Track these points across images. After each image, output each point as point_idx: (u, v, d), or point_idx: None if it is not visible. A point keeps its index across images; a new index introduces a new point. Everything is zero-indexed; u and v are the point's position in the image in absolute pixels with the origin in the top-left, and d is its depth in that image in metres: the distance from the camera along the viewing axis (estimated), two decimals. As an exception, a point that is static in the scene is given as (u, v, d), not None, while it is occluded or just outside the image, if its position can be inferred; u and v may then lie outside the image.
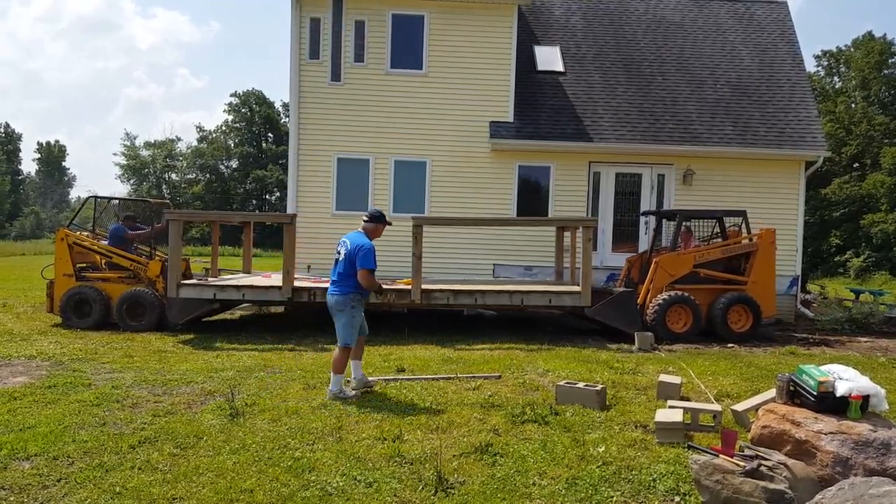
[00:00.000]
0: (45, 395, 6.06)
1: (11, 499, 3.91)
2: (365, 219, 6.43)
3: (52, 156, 76.07)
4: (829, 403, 4.27)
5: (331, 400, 5.97)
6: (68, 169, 79.33)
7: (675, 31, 15.50)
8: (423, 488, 4.10)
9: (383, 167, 13.27)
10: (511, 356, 8.25)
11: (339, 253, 6.27)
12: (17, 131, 74.45)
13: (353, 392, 6.17)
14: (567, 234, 11.60)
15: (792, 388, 4.52)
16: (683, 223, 11.01)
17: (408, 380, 6.79)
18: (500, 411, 5.64)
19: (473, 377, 6.89)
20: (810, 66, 40.64)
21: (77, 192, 76.63)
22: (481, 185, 13.22)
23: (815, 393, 4.31)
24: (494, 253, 13.10)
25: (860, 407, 4.22)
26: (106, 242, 10.98)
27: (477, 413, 5.60)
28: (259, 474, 4.28)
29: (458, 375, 6.93)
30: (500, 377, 6.99)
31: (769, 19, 15.83)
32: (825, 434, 4.09)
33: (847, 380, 4.31)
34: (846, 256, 31.17)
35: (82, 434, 4.99)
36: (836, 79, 41.63)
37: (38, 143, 76.81)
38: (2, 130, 71.51)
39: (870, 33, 38.11)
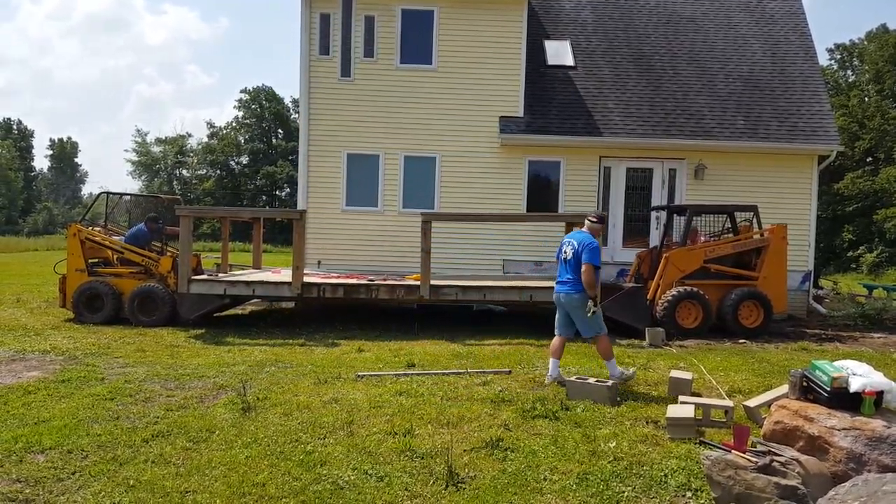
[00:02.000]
0: (59, 390, 6.12)
1: (27, 491, 3.96)
2: (593, 219, 6.77)
3: (65, 152, 76.65)
4: (843, 399, 4.23)
5: (615, 382, 6.10)
6: (80, 165, 79.97)
7: (686, 25, 15.39)
8: (434, 483, 4.11)
9: (393, 163, 13.27)
10: (521, 351, 8.25)
11: (565, 253, 6.61)
12: (29, 128, 75.13)
13: (633, 370, 6.64)
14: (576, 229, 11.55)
15: (805, 383, 4.48)
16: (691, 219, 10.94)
17: (418, 375, 6.80)
18: (510, 406, 5.65)
19: (484, 372, 6.90)
20: (823, 59, 40.26)
21: (89, 189, 77.25)
22: (491, 180, 13.19)
23: (828, 389, 4.28)
24: (504, 248, 13.08)
25: (874, 403, 4.18)
26: (118, 238, 11.07)
27: (487, 408, 5.60)
28: (271, 468, 4.31)
29: (469, 371, 6.94)
30: (510, 372, 6.99)
31: (781, 12, 15.67)
32: (838, 430, 4.06)
33: (861, 375, 4.28)
34: (859, 252, 30.91)
35: (96, 428, 5.04)
36: (849, 72, 41.25)
37: (50, 139, 77.56)
38: (15, 128, 72.15)
39: (884, 26, 37.78)
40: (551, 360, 6.61)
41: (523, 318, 11.60)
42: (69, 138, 78.24)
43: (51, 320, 10.42)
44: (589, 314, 6.42)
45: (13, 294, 13.77)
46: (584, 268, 6.34)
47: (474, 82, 13.15)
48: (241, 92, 62.29)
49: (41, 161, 79.80)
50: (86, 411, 5.44)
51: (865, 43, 39.19)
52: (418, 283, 9.78)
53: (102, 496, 3.91)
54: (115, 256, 10.91)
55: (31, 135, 73.98)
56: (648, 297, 10.38)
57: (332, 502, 3.87)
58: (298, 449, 4.64)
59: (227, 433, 4.96)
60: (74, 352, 7.95)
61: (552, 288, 10.03)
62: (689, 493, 4.00)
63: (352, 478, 4.17)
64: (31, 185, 70.37)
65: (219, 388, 6.28)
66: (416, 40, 13.19)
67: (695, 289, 10.06)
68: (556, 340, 6.70)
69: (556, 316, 6.82)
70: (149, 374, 6.78)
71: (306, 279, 10.05)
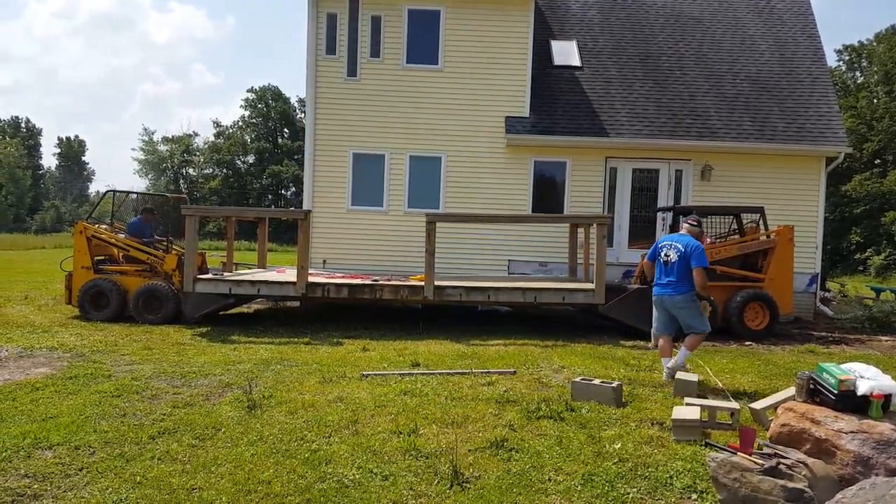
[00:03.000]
0: (67, 386, 6.15)
1: (35, 487, 3.98)
2: (693, 223, 7.01)
3: (72, 151, 77.03)
4: (850, 402, 4.22)
5: (666, 379, 6.56)
6: (88, 164, 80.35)
7: (693, 26, 15.35)
8: (438, 482, 4.11)
9: (399, 163, 13.28)
10: (526, 352, 8.24)
11: (667, 256, 6.75)
12: (37, 126, 75.52)
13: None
14: (581, 230, 11.56)
15: (812, 386, 4.47)
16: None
17: (423, 374, 6.80)
18: (515, 407, 5.64)
19: (488, 372, 6.90)
20: (832, 60, 40.08)
21: (96, 187, 77.57)
22: (497, 180, 13.19)
23: (835, 391, 4.26)
24: (509, 249, 13.08)
25: (882, 406, 4.16)
26: (123, 235, 11.12)
27: (492, 408, 5.60)
28: (276, 466, 4.32)
29: (473, 371, 6.94)
30: (515, 373, 6.98)
31: (790, 13, 15.62)
32: (846, 433, 4.04)
33: (868, 378, 4.26)
34: (867, 254, 30.77)
35: (103, 424, 5.06)
36: (857, 73, 41.04)
37: (58, 138, 77.72)
38: (23, 126, 72.53)
39: (893, 27, 37.52)
40: (662, 359, 6.87)
41: (528, 318, 11.60)
42: (76, 137, 78.73)
43: (58, 317, 10.47)
44: (706, 313, 6.69)
45: (21, 291, 13.84)
46: (696, 271, 6.52)
47: (480, 82, 13.16)
48: (248, 91, 62.61)
49: (49, 159, 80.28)
50: (93, 408, 5.47)
51: (874, 44, 38.96)
52: (422, 283, 9.78)
53: (109, 492, 3.93)
54: (121, 254, 10.95)
55: (39, 133, 74.43)
56: (654, 298, 10.35)
57: (337, 501, 3.88)
58: (303, 447, 4.65)
59: (233, 431, 4.98)
60: (82, 349, 7.99)
61: (557, 289, 10.14)
62: (694, 495, 3.99)
63: (357, 476, 4.18)
64: (39, 183, 70.69)
65: (225, 386, 6.30)
66: (423, 40, 13.20)
67: (701, 290, 10.01)
68: (662, 342, 6.91)
69: (656, 316, 6.95)
70: (155, 372, 6.80)
71: (311, 279, 10.06)
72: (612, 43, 14.88)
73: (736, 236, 11.11)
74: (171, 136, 61.21)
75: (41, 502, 3.81)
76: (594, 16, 15.57)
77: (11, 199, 59.14)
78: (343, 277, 10.98)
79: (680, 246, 6.67)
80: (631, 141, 12.98)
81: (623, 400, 5.88)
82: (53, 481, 4.06)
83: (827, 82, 14.24)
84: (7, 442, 4.63)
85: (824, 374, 4.40)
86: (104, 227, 11.38)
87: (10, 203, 58.71)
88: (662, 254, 6.78)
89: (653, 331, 7.10)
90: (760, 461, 3.84)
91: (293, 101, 61.51)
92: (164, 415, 5.35)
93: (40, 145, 74.39)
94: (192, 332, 9.35)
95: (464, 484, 4.08)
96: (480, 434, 4.95)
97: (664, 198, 13.31)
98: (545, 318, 11.76)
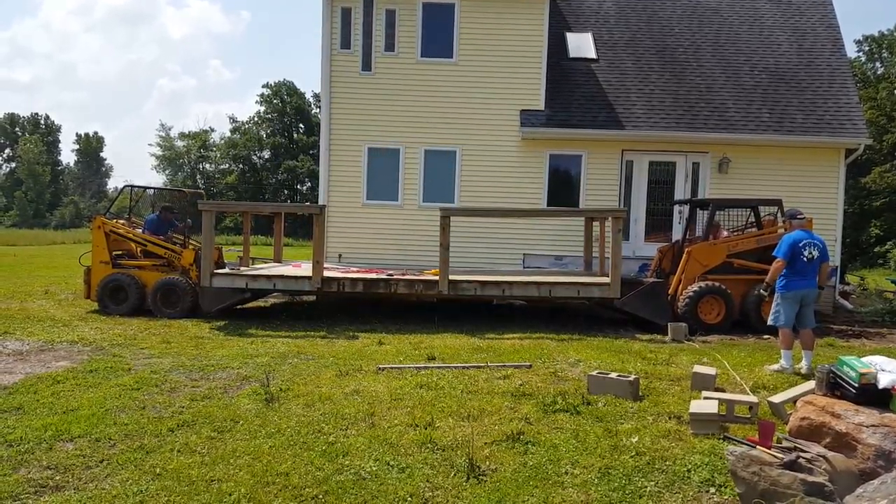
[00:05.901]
0: (87, 379, 6.24)
1: (57, 478, 4.05)
2: (801, 217, 7.60)
3: (91, 147, 77.85)
4: (871, 395, 4.18)
5: (807, 372, 6.74)
6: (106, 159, 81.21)
7: (710, 17, 15.17)
8: (454, 475, 4.12)
9: (413, 157, 13.28)
10: (542, 346, 8.23)
11: (811, 253, 7.20)
12: (55, 123, 76.43)
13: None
14: (596, 224, 11.49)
15: (832, 379, 4.43)
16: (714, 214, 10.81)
17: (438, 368, 6.81)
18: (531, 400, 5.64)
19: (504, 366, 6.89)
20: (851, 51, 39.36)
21: (114, 183, 78.38)
22: (512, 174, 13.15)
23: (856, 385, 4.22)
24: (524, 242, 13.05)
25: (904, 400, 4.11)
26: (141, 230, 11.23)
27: (508, 402, 5.60)
28: (294, 458, 4.35)
29: (489, 364, 6.94)
30: (530, 366, 6.97)
31: (808, 3, 15.38)
32: (866, 426, 4.00)
33: (890, 371, 4.22)
34: (886, 247, 30.33)
35: (123, 417, 5.13)
36: (877, 64, 40.33)
37: (76, 134, 78.80)
38: (42, 123, 73.46)
39: (915, 16, 36.80)
40: (786, 351, 7.04)
41: (543, 312, 11.57)
42: (95, 133, 79.48)
43: (78, 311, 10.61)
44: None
45: (42, 286, 14.03)
46: (826, 266, 7.30)
47: (495, 76, 13.10)
48: (263, 87, 62.85)
49: (68, 155, 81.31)
50: (113, 401, 5.54)
51: (895, 34, 38.29)
52: (437, 277, 9.78)
53: (130, 484, 3.98)
54: (139, 249, 11.06)
55: (58, 129, 75.32)
56: (670, 291, 10.29)
57: (354, 493, 3.90)
58: (321, 440, 4.69)
59: (251, 423, 5.02)
60: (101, 342, 8.09)
61: (572, 283, 10.10)
62: (712, 489, 3.97)
63: (373, 469, 4.20)
64: (58, 179, 71.58)
65: (242, 379, 6.35)
66: (437, 34, 13.16)
67: (717, 284, 9.94)
68: (789, 333, 7.14)
69: (790, 309, 7.23)
70: (174, 365, 6.88)
71: (326, 273, 10.10)
72: (628, 35, 14.75)
73: (753, 229, 10.98)
74: (187, 132, 61.76)
75: (63, 493, 3.88)
76: (610, 7, 15.43)
77: (31, 195, 60.01)
78: (358, 272, 11.01)
79: (819, 243, 7.21)
80: (647, 133, 12.86)
81: (640, 393, 5.85)
82: (75, 473, 4.13)
83: (846, 73, 14.02)
84: (29, 434, 4.71)
85: (845, 367, 4.35)
86: (122, 222, 11.50)
87: (29, 199, 59.62)
88: (807, 251, 7.15)
89: (784, 324, 7.22)
90: (780, 455, 3.80)
91: (308, 96, 61.62)
92: (183, 407, 5.41)
93: (59, 142, 75.35)
94: (209, 326, 9.43)
95: (480, 477, 4.09)
96: (496, 427, 4.96)
97: (681, 191, 13.20)
98: (561, 311, 11.73)
